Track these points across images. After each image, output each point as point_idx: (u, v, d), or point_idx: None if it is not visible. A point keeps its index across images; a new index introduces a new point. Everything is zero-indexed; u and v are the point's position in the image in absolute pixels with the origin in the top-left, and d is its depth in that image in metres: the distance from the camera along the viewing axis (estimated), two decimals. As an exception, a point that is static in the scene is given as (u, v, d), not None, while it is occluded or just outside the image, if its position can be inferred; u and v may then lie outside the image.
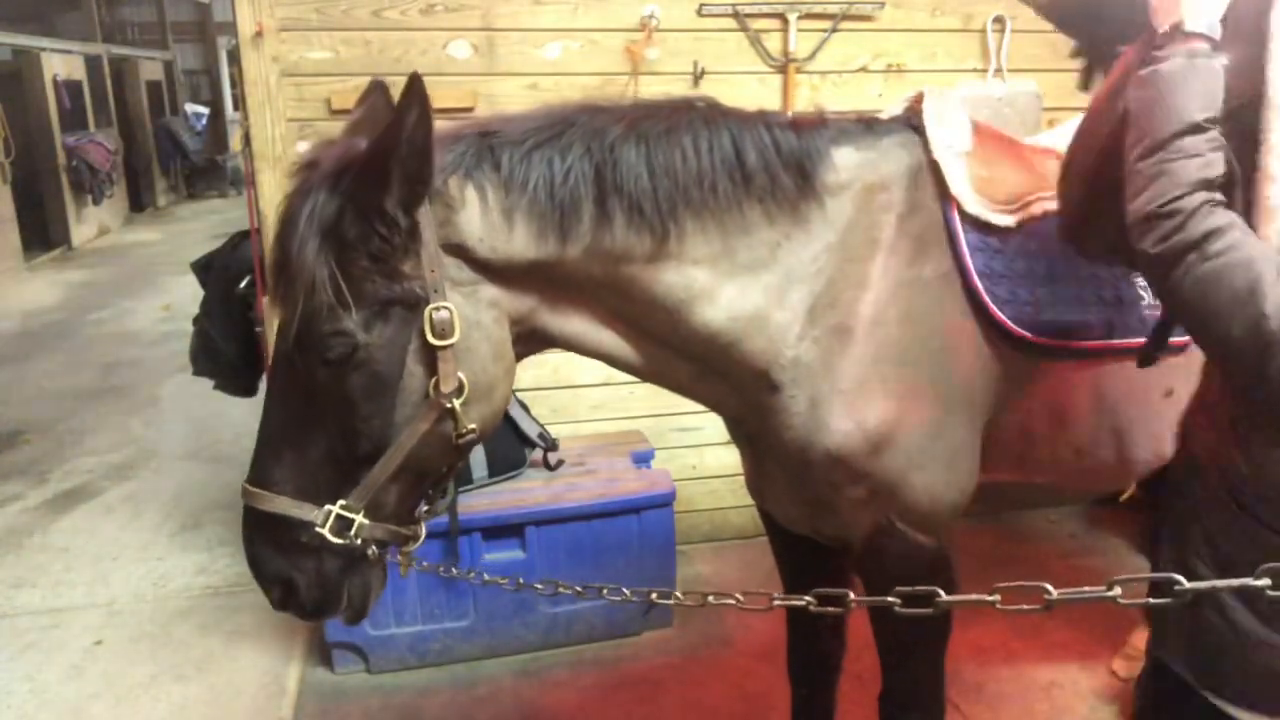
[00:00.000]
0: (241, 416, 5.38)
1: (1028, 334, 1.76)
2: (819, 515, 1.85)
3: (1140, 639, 2.97)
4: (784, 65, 3.55)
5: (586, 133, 1.54)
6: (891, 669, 2.00)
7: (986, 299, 1.73)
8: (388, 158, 1.36)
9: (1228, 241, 1.24)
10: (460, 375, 1.47)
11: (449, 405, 1.46)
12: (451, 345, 1.45)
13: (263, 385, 3.52)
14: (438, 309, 1.44)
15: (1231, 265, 1.23)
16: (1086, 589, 1.34)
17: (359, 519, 1.49)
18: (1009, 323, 1.75)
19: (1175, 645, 1.48)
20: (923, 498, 1.75)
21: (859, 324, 1.67)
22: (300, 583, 1.54)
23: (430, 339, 1.44)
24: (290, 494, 1.48)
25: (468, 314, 1.48)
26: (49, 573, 4.01)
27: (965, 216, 1.75)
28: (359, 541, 1.50)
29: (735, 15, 3.48)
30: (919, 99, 1.86)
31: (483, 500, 3.17)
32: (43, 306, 9.23)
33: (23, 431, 5.74)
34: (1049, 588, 1.34)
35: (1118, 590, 1.31)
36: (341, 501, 1.48)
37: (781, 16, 3.51)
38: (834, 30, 3.55)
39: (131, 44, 18.26)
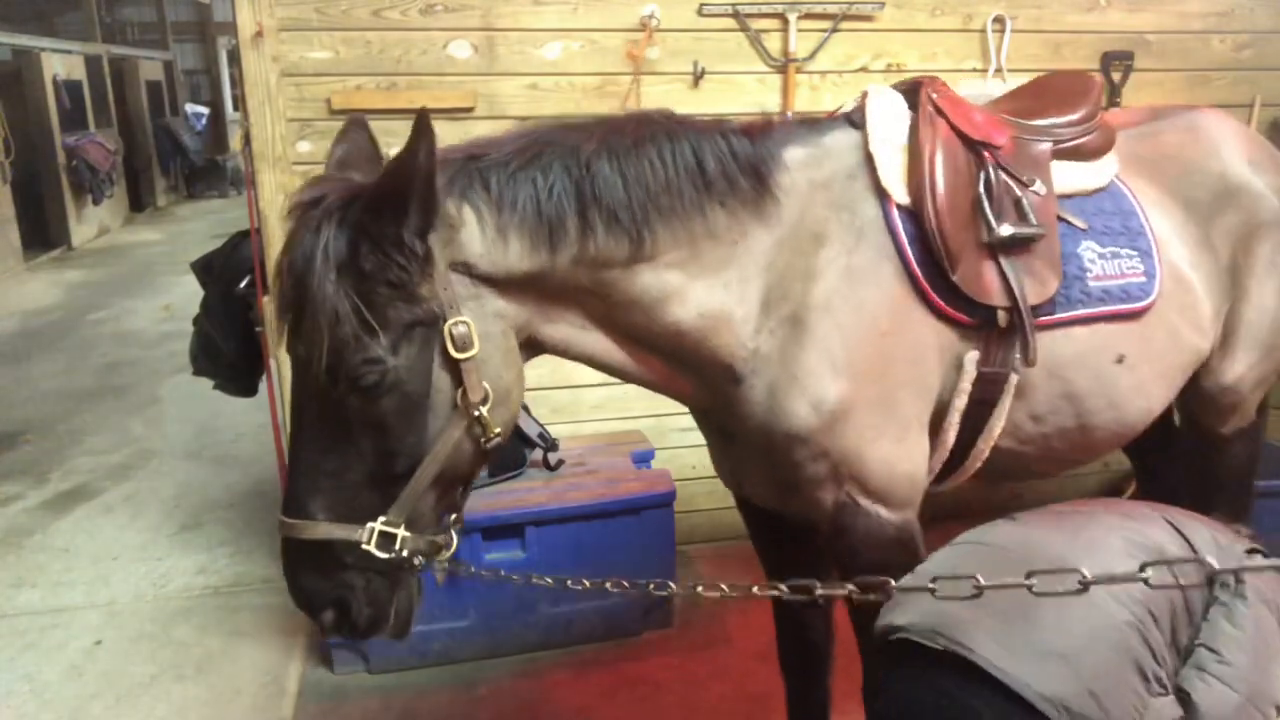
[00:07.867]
0: (241, 416, 5.38)
1: (965, 317, 1.85)
2: (786, 496, 1.95)
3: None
4: (784, 65, 3.55)
5: (563, 151, 1.65)
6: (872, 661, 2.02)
7: (926, 285, 1.83)
8: (407, 191, 1.45)
9: None
10: (484, 384, 1.56)
11: (476, 413, 1.55)
12: (472, 357, 1.54)
13: (263, 385, 3.52)
14: (456, 324, 1.53)
15: None
16: (1119, 572, 1.39)
17: (401, 532, 1.55)
18: (948, 308, 1.84)
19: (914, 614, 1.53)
20: (880, 469, 1.85)
21: (809, 313, 1.78)
22: (352, 603, 1.60)
23: (452, 353, 1.53)
24: (330, 520, 1.54)
25: (478, 326, 1.57)
26: (49, 573, 4.01)
27: (900, 207, 1.84)
28: (404, 554, 1.56)
29: (735, 15, 3.48)
30: (864, 96, 1.97)
31: (483, 500, 3.17)
32: (43, 306, 9.23)
33: (23, 431, 5.74)
34: (1084, 571, 1.36)
35: (1150, 573, 1.35)
36: (383, 518, 1.55)
37: (781, 16, 3.52)
38: (834, 30, 3.55)
39: (131, 44, 18.29)
